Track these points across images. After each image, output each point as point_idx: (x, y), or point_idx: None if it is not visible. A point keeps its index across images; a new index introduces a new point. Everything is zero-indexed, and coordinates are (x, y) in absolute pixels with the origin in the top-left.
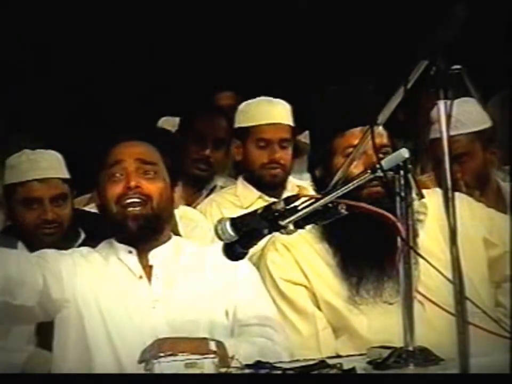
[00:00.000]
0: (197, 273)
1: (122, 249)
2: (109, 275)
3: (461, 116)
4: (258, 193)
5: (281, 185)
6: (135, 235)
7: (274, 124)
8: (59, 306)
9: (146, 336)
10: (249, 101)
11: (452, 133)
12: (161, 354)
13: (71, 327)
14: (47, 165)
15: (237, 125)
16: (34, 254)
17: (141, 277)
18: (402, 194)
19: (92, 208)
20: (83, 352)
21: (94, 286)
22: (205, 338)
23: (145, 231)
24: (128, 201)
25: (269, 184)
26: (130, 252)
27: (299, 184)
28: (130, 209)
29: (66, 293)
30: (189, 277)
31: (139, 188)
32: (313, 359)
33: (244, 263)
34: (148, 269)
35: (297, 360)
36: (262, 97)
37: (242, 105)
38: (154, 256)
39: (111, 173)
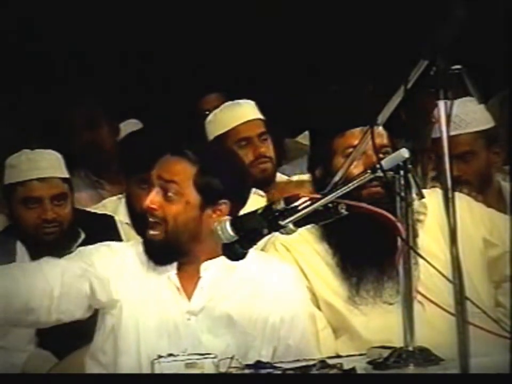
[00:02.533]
0: (248, 288)
1: None
2: (152, 279)
3: (465, 115)
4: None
5: (272, 179)
6: (152, 253)
7: (248, 121)
8: (109, 306)
9: (171, 347)
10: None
11: (456, 132)
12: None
13: (110, 322)
14: (46, 164)
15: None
16: (81, 259)
17: (178, 288)
18: (402, 194)
19: (97, 208)
20: (113, 349)
21: (136, 288)
22: None
23: (162, 250)
24: (148, 220)
25: (260, 180)
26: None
27: (288, 179)
28: (148, 230)
29: (114, 294)
30: (240, 293)
31: (154, 209)
32: (313, 359)
33: (295, 284)
34: (195, 279)
35: (297, 360)
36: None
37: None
38: (207, 267)
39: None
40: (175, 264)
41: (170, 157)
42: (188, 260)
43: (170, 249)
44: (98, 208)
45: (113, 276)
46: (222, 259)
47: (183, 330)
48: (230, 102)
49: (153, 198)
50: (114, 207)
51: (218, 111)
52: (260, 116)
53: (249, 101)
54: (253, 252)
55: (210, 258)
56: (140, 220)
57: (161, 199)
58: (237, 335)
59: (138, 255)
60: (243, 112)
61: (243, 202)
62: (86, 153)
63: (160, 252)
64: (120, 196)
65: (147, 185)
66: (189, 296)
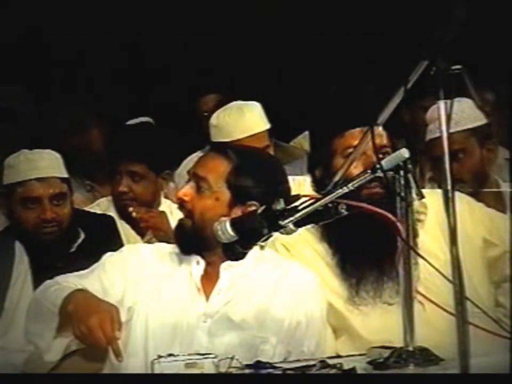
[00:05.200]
0: (266, 291)
1: (193, 258)
2: (173, 280)
3: (454, 115)
4: None
5: None
6: (180, 240)
7: (254, 134)
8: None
9: (183, 346)
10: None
11: None
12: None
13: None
14: (45, 164)
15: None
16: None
17: (199, 290)
18: (402, 194)
19: (91, 208)
20: (123, 343)
21: (155, 288)
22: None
23: (189, 239)
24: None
25: None
26: (198, 263)
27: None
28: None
29: (135, 294)
30: (258, 295)
31: (185, 201)
32: (313, 359)
33: (315, 293)
34: (214, 281)
35: (297, 360)
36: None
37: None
38: (226, 269)
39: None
40: (201, 266)
41: (209, 154)
42: (211, 259)
43: (196, 240)
44: (92, 208)
45: (130, 277)
46: (242, 261)
47: (197, 332)
48: (237, 106)
49: (186, 190)
50: (107, 206)
51: (225, 115)
52: (266, 126)
53: (255, 105)
54: (273, 255)
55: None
56: (130, 218)
57: (193, 192)
58: (251, 337)
59: (156, 255)
60: (250, 123)
61: None
62: (76, 156)
63: (187, 241)
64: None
65: (117, 177)
66: (207, 298)
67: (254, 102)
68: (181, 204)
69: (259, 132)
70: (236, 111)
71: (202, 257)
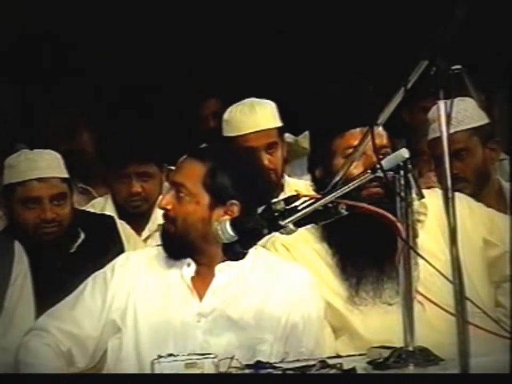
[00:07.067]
0: (262, 291)
1: (184, 260)
2: (166, 283)
3: (457, 114)
4: None
5: (275, 189)
6: (167, 246)
7: (260, 130)
8: (123, 314)
9: (177, 347)
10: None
11: (450, 131)
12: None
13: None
14: (46, 164)
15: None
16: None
17: (191, 290)
18: (402, 194)
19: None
20: (117, 350)
21: (147, 291)
22: None
23: (175, 246)
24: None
25: None
26: (188, 265)
27: (297, 188)
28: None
29: (127, 302)
30: (254, 295)
31: (165, 209)
32: (313, 359)
33: (311, 295)
34: (209, 281)
35: (297, 360)
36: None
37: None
38: (221, 269)
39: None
40: (192, 268)
41: (185, 159)
42: (203, 261)
43: (182, 245)
44: (87, 209)
45: (128, 284)
46: (237, 262)
47: (191, 332)
48: (250, 103)
49: (167, 199)
50: (102, 206)
51: (237, 111)
52: (275, 124)
53: (269, 103)
54: (269, 255)
55: (225, 260)
56: (126, 215)
57: (174, 200)
58: (247, 338)
59: (155, 260)
60: (259, 119)
61: (258, 203)
62: (68, 159)
63: (173, 247)
64: (106, 195)
65: (127, 179)
66: (201, 298)
67: (269, 101)
68: (165, 214)
69: (267, 128)
70: (248, 107)
71: (194, 259)
